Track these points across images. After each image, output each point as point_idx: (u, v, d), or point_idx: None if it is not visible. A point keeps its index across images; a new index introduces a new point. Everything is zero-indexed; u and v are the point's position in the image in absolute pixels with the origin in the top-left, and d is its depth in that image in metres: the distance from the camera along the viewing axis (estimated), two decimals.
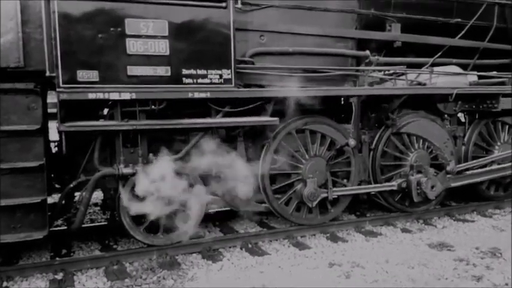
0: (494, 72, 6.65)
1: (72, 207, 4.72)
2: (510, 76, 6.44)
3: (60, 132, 4.28)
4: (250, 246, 4.99)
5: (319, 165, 5.36)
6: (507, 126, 6.60)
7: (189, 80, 4.42)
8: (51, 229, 4.54)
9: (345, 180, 5.66)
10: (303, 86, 5.22)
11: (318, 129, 5.41)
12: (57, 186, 4.91)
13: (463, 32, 6.16)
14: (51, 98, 5.02)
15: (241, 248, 4.98)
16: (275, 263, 4.54)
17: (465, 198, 6.77)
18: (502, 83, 6.48)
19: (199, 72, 4.46)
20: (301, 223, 5.43)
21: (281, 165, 5.32)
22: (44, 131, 4.34)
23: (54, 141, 5.00)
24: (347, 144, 5.40)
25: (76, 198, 4.82)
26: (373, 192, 5.87)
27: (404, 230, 5.60)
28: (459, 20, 6.19)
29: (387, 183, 5.75)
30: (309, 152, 5.36)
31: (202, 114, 4.73)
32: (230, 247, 5.00)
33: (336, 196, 5.44)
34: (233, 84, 4.61)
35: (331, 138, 5.46)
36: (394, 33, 5.78)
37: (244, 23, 4.96)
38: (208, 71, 4.49)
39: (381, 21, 5.78)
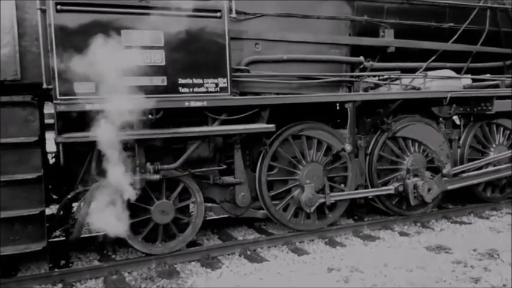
0: (488, 75, 6.71)
1: (71, 218, 4.73)
2: (503, 79, 6.51)
3: (57, 144, 4.30)
4: (249, 253, 5.00)
5: (316, 170, 5.39)
6: (502, 129, 6.65)
7: (186, 89, 4.45)
8: (49, 240, 4.54)
9: (342, 185, 5.68)
10: (298, 93, 5.28)
11: (314, 135, 5.44)
12: (55, 197, 4.93)
13: (456, 36, 6.23)
14: (48, 108, 5.05)
15: (240, 255, 4.99)
16: (274, 269, 4.55)
17: (462, 201, 6.81)
18: (496, 86, 6.53)
19: (196, 81, 4.49)
20: (300, 229, 5.45)
21: (278, 172, 5.36)
22: (41, 142, 4.36)
23: (52, 153, 5.02)
24: (343, 150, 5.44)
25: (74, 209, 4.84)
26: (370, 197, 5.89)
27: (402, 234, 5.63)
28: (452, 24, 6.27)
29: (384, 187, 5.78)
30: (306, 157, 5.40)
31: (199, 123, 4.76)
32: (229, 254, 5.01)
33: (333, 201, 5.46)
34: (229, 93, 4.64)
35: (327, 143, 5.49)
36: (387, 38, 5.84)
37: (239, 31, 5.01)
38: (204, 79, 4.52)
39: (374, 27, 5.84)
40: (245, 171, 5.18)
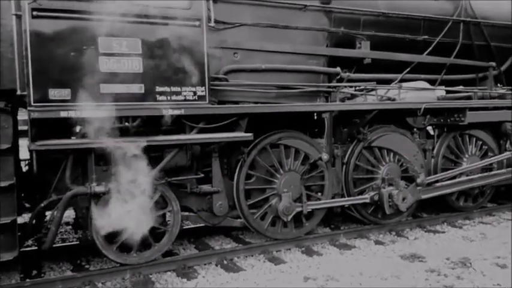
0: (461, 87, 6.89)
1: (43, 227, 4.62)
2: (476, 91, 6.68)
3: (31, 151, 4.21)
4: (225, 262, 4.98)
5: (293, 179, 5.42)
6: (474, 139, 6.81)
7: (163, 97, 4.44)
8: (21, 250, 4.43)
9: (319, 194, 5.73)
10: (276, 102, 5.32)
11: (292, 144, 5.48)
12: (27, 205, 4.82)
13: (430, 48, 6.38)
14: (22, 115, 4.96)
15: (216, 265, 4.96)
16: (251, 278, 4.54)
17: (436, 210, 6.94)
18: (469, 98, 6.71)
19: (173, 89, 4.48)
20: (277, 238, 5.46)
21: (256, 180, 5.37)
22: (14, 149, 4.26)
23: (25, 160, 4.92)
24: (320, 159, 5.49)
25: (47, 218, 4.74)
26: (346, 205, 5.95)
27: (377, 242, 5.69)
28: (426, 37, 6.42)
29: (360, 196, 5.85)
30: (284, 166, 5.42)
31: (176, 131, 4.74)
32: (205, 264, 4.97)
33: (310, 210, 5.49)
34: (207, 101, 4.65)
35: (305, 152, 5.54)
36: (363, 50, 5.94)
37: (218, 40, 5.02)
38: (182, 88, 4.52)
39: (351, 38, 5.93)
40: (223, 180, 5.18)
